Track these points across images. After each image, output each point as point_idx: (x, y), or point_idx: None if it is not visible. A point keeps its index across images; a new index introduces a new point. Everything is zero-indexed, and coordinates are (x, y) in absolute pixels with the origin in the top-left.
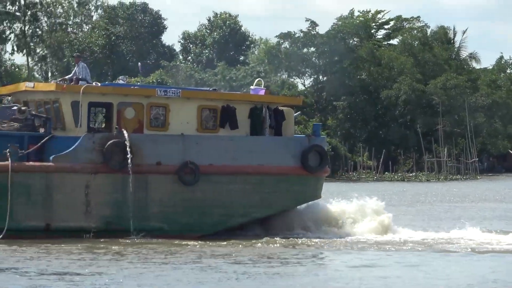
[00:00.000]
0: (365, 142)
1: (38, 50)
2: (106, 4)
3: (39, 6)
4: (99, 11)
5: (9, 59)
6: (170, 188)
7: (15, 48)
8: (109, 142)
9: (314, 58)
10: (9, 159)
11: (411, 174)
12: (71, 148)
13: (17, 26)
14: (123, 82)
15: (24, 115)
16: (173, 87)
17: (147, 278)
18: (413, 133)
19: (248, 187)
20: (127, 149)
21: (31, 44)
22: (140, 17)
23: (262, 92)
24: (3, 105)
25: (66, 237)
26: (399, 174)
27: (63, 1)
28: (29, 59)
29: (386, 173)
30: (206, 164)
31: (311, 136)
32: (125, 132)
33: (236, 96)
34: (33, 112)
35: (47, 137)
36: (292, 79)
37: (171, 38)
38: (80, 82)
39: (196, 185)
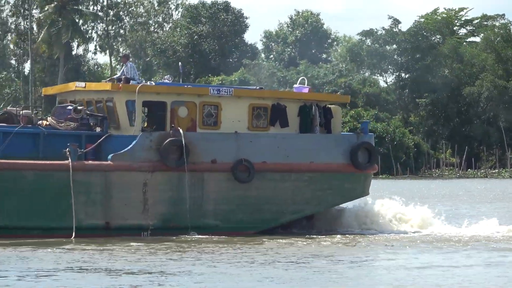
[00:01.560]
0: (447, 139)
1: (120, 50)
2: (186, 3)
3: (121, 6)
4: (180, 9)
5: (92, 59)
6: (225, 186)
7: (98, 48)
8: (166, 141)
9: (396, 55)
10: (69, 158)
11: (494, 171)
12: (129, 147)
13: (100, 26)
14: (168, 81)
15: (80, 115)
16: (226, 86)
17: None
18: (496, 130)
19: (299, 184)
20: (184, 147)
21: (114, 43)
22: (222, 16)
23: (306, 90)
24: (59, 105)
25: (124, 235)
26: (482, 171)
27: (144, 1)
28: (112, 59)
29: (469, 170)
30: (259, 162)
31: (360, 133)
32: (181, 130)
33: (286, 94)
34: (88, 112)
35: (104, 136)
36: (374, 77)
37: (253, 36)
38: (131, 82)
39: (251, 183)
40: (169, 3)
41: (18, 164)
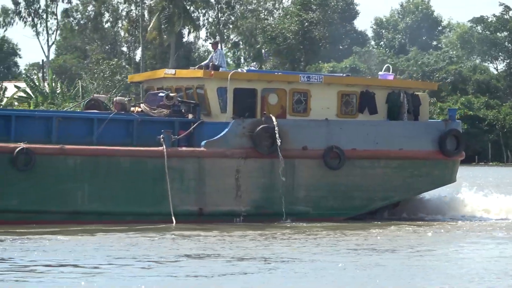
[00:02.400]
0: None
1: (231, 37)
2: None
3: None
4: None
5: (203, 46)
6: (316, 172)
7: (208, 35)
8: (258, 128)
9: (506, 42)
10: (163, 144)
11: None
12: (222, 134)
13: (211, 13)
14: (254, 68)
15: (172, 101)
16: (316, 73)
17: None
18: None
19: (389, 171)
20: (276, 134)
21: (224, 30)
22: (332, 3)
23: (390, 78)
24: (150, 92)
25: (217, 221)
26: None
27: None
28: (222, 46)
29: None
30: (349, 149)
31: (448, 120)
32: (273, 117)
33: (374, 81)
34: (180, 99)
35: (197, 123)
36: (484, 64)
37: (363, 23)
38: (220, 69)
39: (341, 169)
40: None
41: (114, 151)
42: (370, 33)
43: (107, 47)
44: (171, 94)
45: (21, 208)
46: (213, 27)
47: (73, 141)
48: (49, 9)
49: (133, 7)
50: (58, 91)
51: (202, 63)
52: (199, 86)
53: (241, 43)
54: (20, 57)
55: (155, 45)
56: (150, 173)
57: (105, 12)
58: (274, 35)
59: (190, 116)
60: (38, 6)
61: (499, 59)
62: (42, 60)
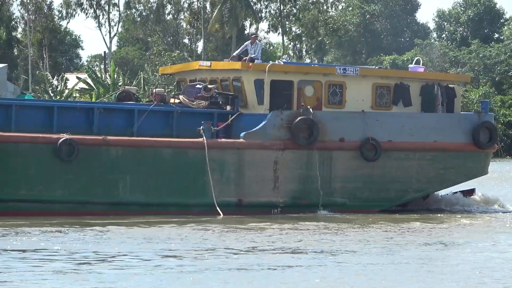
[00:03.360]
0: None
1: (293, 29)
2: None
3: None
4: None
5: (264, 38)
6: (353, 164)
7: (270, 27)
8: (296, 119)
9: None
10: (203, 136)
11: None
12: (261, 125)
13: (273, 5)
14: (285, 60)
15: (210, 93)
16: (351, 66)
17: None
18: None
19: (424, 163)
20: (314, 126)
21: (286, 22)
22: None
23: (421, 70)
24: (188, 84)
25: (255, 212)
26: None
27: None
28: (284, 38)
29: None
30: (385, 141)
31: (481, 113)
32: (310, 109)
33: (408, 74)
34: (217, 91)
35: (235, 114)
36: None
37: (425, 15)
38: (256, 61)
39: (377, 161)
40: None
41: (156, 142)
42: (432, 26)
43: (169, 39)
44: (209, 86)
45: (64, 198)
46: (274, 19)
47: (113, 132)
48: (111, 1)
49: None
50: (120, 83)
51: (234, 53)
52: (235, 78)
53: (303, 35)
54: (83, 49)
55: (216, 37)
56: (191, 164)
57: (167, 4)
58: (336, 28)
59: (228, 107)
60: None
61: None
62: (104, 52)
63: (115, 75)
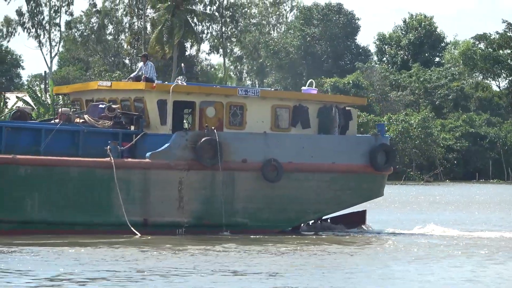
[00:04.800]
0: None
1: (234, 50)
2: (301, 4)
3: (236, 7)
4: (295, 11)
5: (206, 59)
6: (254, 185)
7: (211, 48)
8: (201, 140)
9: (510, 60)
10: (110, 155)
11: None
12: (166, 145)
13: (215, 26)
14: (181, 82)
15: (114, 113)
16: (252, 88)
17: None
18: None
19: (322, 184)
20: (218, 146)
21: (228, 44)
22: (334, 18)
23: (314, 92)
24: (92, 104)
25: (161, 232)
26: None
27: (258, 2)
28: (226, 59)
29: None
30: (286, 162)
31: (378, 135)
32: (215, 130)
33: (307, 96)
34: (120, 111)
35: (140, 134)
36: (486, 81)
37: (366, 39)
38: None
39: (278, 182)
40: (284, 4)
41: (64, 161)
42: (373, 49)
43: (110, 60)
44: (113, 106)
45: None
46: (216, 40)
47: (20, 151)
48: (53, 21)
49: (135, 20)
50: (60, 103)
51: (131, 75)
52: (137, 98)
53: (244, 57)
54: (23, 68)
55: (157, 58)
56: (98, 183)
57: (109, 24)
58: (277, 50)
59: (132, 127)
60: (42, 17)
61: (502, 76)
62: (45, 71)
63: (54, 95)
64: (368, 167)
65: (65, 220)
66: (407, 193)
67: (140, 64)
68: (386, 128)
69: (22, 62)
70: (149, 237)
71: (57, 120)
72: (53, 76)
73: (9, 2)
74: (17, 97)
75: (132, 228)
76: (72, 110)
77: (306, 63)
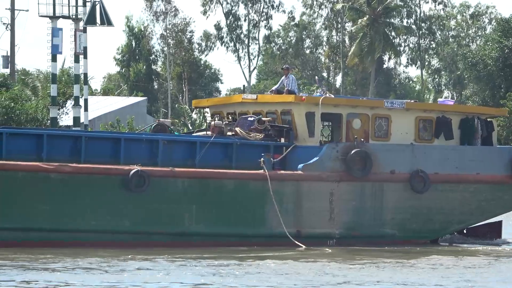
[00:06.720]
0: None
1: (432, 63)
2: (500, 16)
3: (433, 20)
4: (493, 23)
5: (404, 72)
6: (402, 196)
7: (409, 61)
8: (351, 152)
9: None
10: (264, 168)
11: None
12: (318, 157)
13: (412, 39)
14: (320, 94)
15: (263, 126)
16: (399, 100)
17: None
18: None
19: (467, 195)
20: (368, 158)
21: (426, 56)
22: None
23: (451, 103)
24: (242, 116)
25: (313, 243)
26: None
27: (456, 14)
28: (423, 72)
29: None
30: (432, 173)
31: None
32: (365, 142)
33: (450, 107)
34: (270, 123)
35: (291, 147)
36: None
37: None
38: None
39: (425, 193)
40: (483, 16)
41: (220, 174)
42: None
43: (308, 73)
44: (263, 119)
45: (132, 229)
46: (413, 53)
47: (175, 163)
48: (251, 35)
49: (334, 33)
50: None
51: (273, 88)
52: (284, 111)
53: (442, 69)
54: (222, 82)
55: (355, 71)
56: (252, 195)
57: (306, 38)
58: (475, 62)
59: (281, 140)
60: (240, 31)
61: None
62: (243, 85)
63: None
64: (510, 178)
65: (220, 232)
66: None
67: (283, 77)
68: None
69: (221, 76)
70: (329, 250)
71: (209, 133)
72: (252, 90)
73: (208, 17)
74: None
75: (293, 240)
76: (224, 123)
77: (504, 75)
